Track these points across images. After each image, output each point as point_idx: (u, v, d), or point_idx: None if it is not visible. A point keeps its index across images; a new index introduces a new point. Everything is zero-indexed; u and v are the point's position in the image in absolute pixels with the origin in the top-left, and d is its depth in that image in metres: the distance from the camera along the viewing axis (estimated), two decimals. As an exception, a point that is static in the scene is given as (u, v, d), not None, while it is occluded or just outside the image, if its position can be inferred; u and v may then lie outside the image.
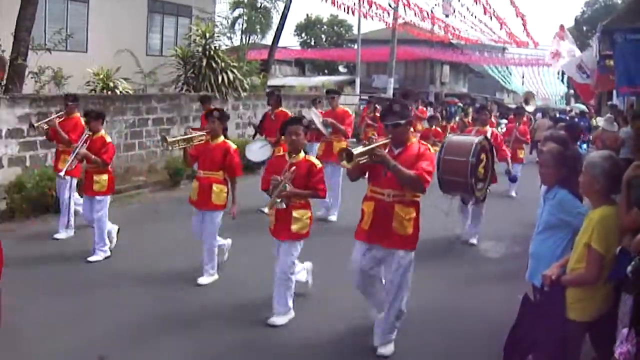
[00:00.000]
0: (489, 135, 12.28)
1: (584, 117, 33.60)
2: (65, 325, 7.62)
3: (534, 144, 24.34)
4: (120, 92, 18.68)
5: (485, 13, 30.13)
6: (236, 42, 29.53)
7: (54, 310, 8.11)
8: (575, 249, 5.44)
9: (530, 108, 26.45)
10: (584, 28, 73.56)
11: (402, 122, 6.87)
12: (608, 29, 12.25)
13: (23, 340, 7.17)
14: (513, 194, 18.14)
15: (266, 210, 10.50)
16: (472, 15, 31.70)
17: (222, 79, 21.35)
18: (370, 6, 25.79)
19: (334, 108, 14.28)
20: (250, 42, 31.59)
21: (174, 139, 9.58)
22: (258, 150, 13.75)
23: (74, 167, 10.98)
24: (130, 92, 19.28)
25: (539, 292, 5.87)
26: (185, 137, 9.68)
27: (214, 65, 21.30)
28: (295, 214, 7.84)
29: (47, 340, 7.17)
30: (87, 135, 10.52)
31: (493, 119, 25.09)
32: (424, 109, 27.62)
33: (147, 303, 8.53)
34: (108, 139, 10.64)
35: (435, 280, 9.81)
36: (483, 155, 10.95)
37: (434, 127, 20.58)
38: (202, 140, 9.61)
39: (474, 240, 12.47)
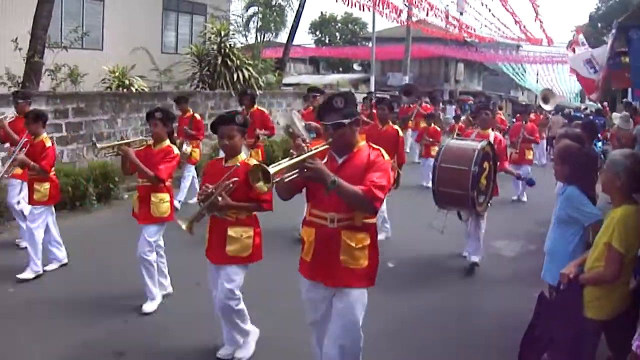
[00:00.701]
0: (491, 139, 10.48)
1: (600, 115, 33.46)
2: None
3: (550, 142, 24.33)
4: (136, 89, 18.73)
5: (503, 6, 30.13)
6: (251, 40, 29.55)
7: None
8: (595, 247, 5.43)
9: (549, 107, 25.66)
10: (599, 25, 73.15)
11: (346, 121, 5.22)
12: (624, 25, 12.16)
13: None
14: (524, 198, 17.15)
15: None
16: (488, 10, 31.69)
17: (237, 76, 21.40)
18: (384, 5, 25.74)
19: (315, 108, 12.59)
20: (264, 40, 31.56)
21: (106, 145, 8.76)
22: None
23: (9, 174, 10.13)
24: (146, 89, 19.34)
25: (555, 290, 5.87)
26: (121, 142, 8.52)
27: (229, 63, 21.34)
28: (231, 232, 6.45)
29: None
30: (25, 140, 9.46)
31: (503, 117, 24.08)
32: (428, 105, 26.05)
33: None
34: (48, 144, 9.54)
35: (448, 278, 9.82)
36: (486, 164, 9.82)
37: (432, 125, 19.50)
38: (144, 144, 8.49)
39: (476, 259, 10.61)
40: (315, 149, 5.16)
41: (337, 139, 5.25)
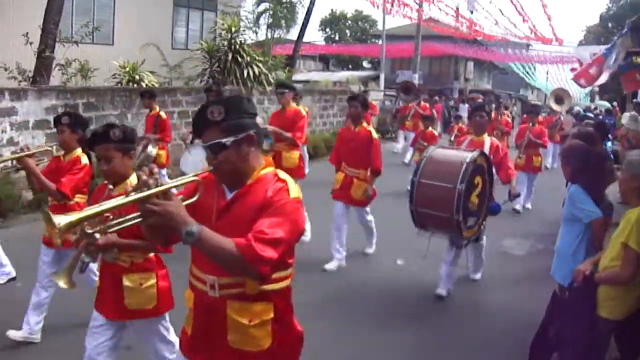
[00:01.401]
0: (486, 148, 8.93)
1: (610, 115, 33.35)
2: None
3: (562, 140, 23.87)
4: (146, 85, 18.74)
5: (513, 5, 30.19)
6: (261, 36, 29.49)
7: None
8: (611, 247, 5.43)
9: (562, 108, 23.82)
10: (609, 25, 72.98)
11: (228, 140, 3.50)
12: (637, 24, 12.13)
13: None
14: (518, 207, 15.30)
15: None
16: (498, 10, 31.70)
17: (248, 73, 21.36)
18: (393, 2, 25.74)
19: (285, 107, 11.25)
20: (275, 37, 31.56)
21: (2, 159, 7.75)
22: (198, 159, 9.12)
23: None
24: (156, 85, 19.34)
25: (568, 289, 5.87)
26: (20, 154, 6.91)
27: (239, 59, 21.31)
28: (127, 281, 5.19)
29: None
30: None
31: (509, 118, 22.49)
32: (427, 104, 23.83)
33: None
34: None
35: (457, 278, 9.81)
36: (478, 179, 8.23)
37: (429, 128, 17.14)
38: (50, 155, 7.41)
39: (476, 276, 10.16)
40: (172, 183, 3.41)
41: (219, 167, 3.58)
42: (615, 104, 34.14)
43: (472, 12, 39.15)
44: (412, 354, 7.14)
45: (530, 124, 16.08)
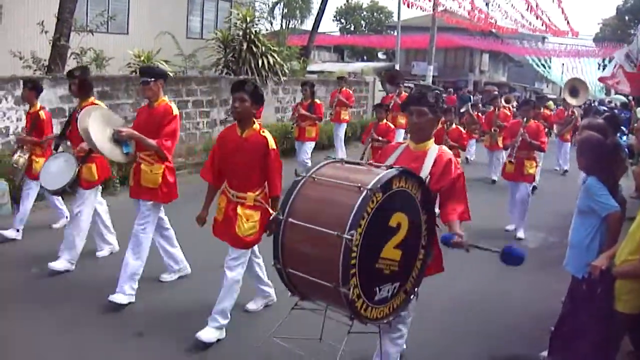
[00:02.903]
0: (427, 165, 5.48)
1: (626, 109, 33.14)
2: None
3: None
4: (162, 74, 18.74)
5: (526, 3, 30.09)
6: (276, 26, 29.57)
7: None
8: (629, 240, 5.39)
9: (577, 101, 21.35)
10: (626, 18, 72.63)
11: None
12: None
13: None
14: (510, 227, 12.83)
15: None
16: (511, 7, 31.64)
17: (262, 63, 21.36)
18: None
19: (151, 102, 8.13)
20: (290, 27, 31.58)
21: None
22: (58, 172, 8.91)
23: None
24: (171, 74, 19.33)
25: (584, 282, 5.84)
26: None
27: (254, 49, 21.30)
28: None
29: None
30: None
31: (508, 112, 19.16)
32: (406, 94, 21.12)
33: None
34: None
35: (470, 269, 9.78)
36: (399, 219, 4.87)
37: (383, 121, 13.93)
38: None
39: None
40: None
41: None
42: (631, 97, 33.83)
43: (487, 5, 39.05)
44: (424, 346, 7.12)
45: (524, 120, 12.47)
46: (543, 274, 9.65)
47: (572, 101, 21.14)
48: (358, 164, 5.39)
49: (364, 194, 4.52)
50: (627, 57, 14.63)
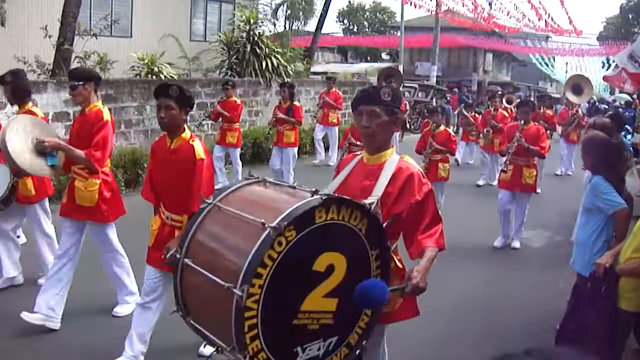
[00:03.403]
0: (381, 184, 4.25)
1: (630, 108, 33.12)
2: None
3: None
4: (165, 76, 18.77)
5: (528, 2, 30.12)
6: (279, 28, 29.49)
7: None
8: (634, 238, 5.40)
9: (581, 99, 20.33)
10: (630, 16, 72.58)
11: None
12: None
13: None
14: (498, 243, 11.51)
15: None
16: (514, 7, 31.65)
17: (266, 64, 21.40)
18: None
19: (83, 108, 7.30)
20: (293, 28, 31.56)
21: None
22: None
23: None
24: (175, 77, 19.37)
25: (589, 280, 5.85)
26: None
27: (257, 51, 21.34)
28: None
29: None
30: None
31: (505, 112, 17.52)
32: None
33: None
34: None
35: (476, 269, 9.81)
36: (332, 259, 3.68)
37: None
38: None
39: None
40: None
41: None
42: (635, 96, 33.80)
43: (490, 6, 39.09)
44: (427, 344, 7.13)
45: (522, 122, 11.12)
46: (548, 273, 9.69)
47: (575, 99, 19.99)
48: (288, 186, 4.12)
49: (264, 234, 3.34)
50: (630, 58, 14.56)
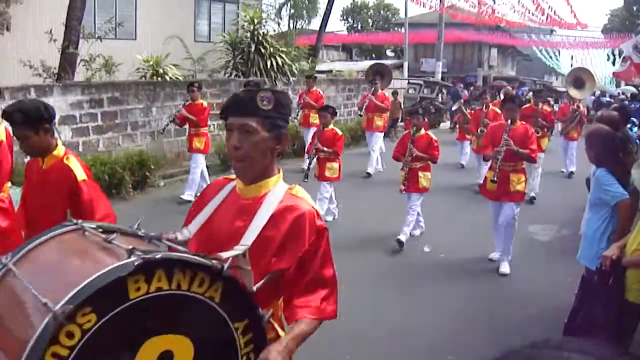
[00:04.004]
0: (254, 231, 3.09)
1: (635, 100, 33.00)
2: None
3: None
4: (170, 78, 18.81)
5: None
6: (284, 27, 29.51)
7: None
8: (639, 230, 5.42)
9: (584, 93, 19.17)
10: (634, 8, 72.32)
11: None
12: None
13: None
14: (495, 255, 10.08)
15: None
16: (517, 1, 31.64)
17: (271, 64, 21.39)
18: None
19: None
20: (297, 27, 31.58)
21: None
22: None
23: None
24: (180, 78, 19.41)
25: (596, 273, 5.87)
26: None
27: (262, 50, 21.34)
28: None
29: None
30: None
31: (499, 110, 14.88)
32: (385, 93, 18.98)
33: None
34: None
35: (484, 263, 9.82)
36: (167, 343, 2.59)
37: (329, 126, 11.90)
38: None
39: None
40: None
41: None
42: (640, 89, 33.64)
43: (494, 0, 39.09)
44: (435, 338, 7.15)
45: (509, 122, 9.55)
46: (556, 267, 9.68)
47: (576, 94, 18.77)
48: (104, 238, 2.74)
49: (44, 323, 2.30)
50: (635, 48, 14.51)
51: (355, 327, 7.00)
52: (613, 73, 21.43)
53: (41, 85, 14.35)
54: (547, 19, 34.63)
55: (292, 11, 32.27)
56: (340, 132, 12.01)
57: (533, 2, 32.88)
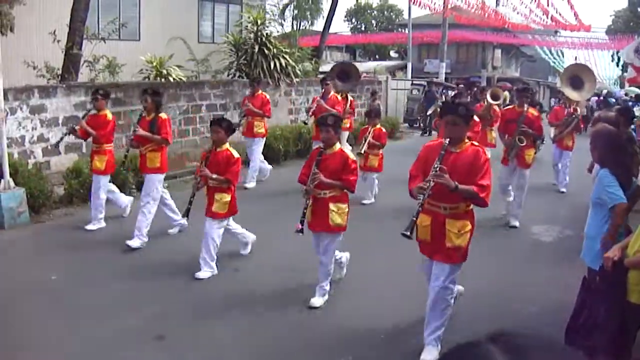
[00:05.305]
0: None
1: (639, 101, 32.94)
2: (119, 308, 7.81)
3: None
4: (174, 79, 18.84)
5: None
6: (287, 28, 29.51)
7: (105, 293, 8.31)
8: (640, 232, 5.42)
9: (583, 95, 16.03)
10: (639, 9, 72.22)
11: None
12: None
13: (81, 322, 7.37)
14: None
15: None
16: (521, 3, 31.65)
17: (274, 65, 21.41)
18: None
19: None
20: (301, 28, 31.58)
21: None
22: None
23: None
24: (183, 79, 19.44)
25: (597, 274, 5.88)
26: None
27: (265, 51, 21.36)
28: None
29: (104, 322, 7.36)
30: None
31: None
32: (338, 97, 16.58)
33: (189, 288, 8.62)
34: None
35: (486, 263, 9.81)
36: None
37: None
38: None
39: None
40: None
41: None
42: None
43: (497, 2, 39.09)
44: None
45: (446, 141, 6.52)
46: (559, 267, 9.71)
47: (573, 95, 15.70)
48: None
49: None
50: (636, 52, 14.45)
51: (355, 327, 7.02)
52: (628, 79, 20.32)
53: (45, 86, 14.38)
54: (552, 20, 34.60)
55: (296, 12, 32.25)
56: (236, 155, 9.34)
57: (538, 5, 32.84)
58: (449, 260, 6.67)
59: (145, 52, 19.98)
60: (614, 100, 35.12)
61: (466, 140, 6.60)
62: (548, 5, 33.27)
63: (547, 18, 34.07)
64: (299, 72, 22.86)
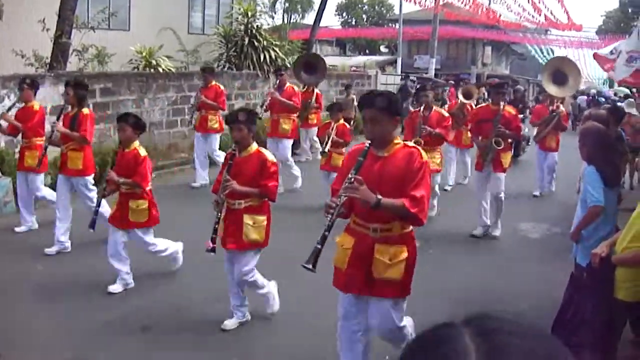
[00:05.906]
0: None
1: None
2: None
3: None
4: (163, 69, 18.77)
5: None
6: (278, 21, 29.54)
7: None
8: (630, 228, 5.42)
9: (565, 91, 14.72)
10: (629, 10, 72.47)
11: None
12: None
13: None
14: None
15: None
16: (513, 1, 31.73)
17: (264, 57, 21.38)
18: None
19: None
20: (291, 21, 31.56)
21: None
22: None
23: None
24: (173, 70, 19.38)
25: (585, 271, 5.89)
26: None
27: (255, 43, 21.32)
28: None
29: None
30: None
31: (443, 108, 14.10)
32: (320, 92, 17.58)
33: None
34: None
35: (475, 262, 9.82)
36: None
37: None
38: None
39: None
40: None
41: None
42: (635, 90, 33.72)
43: (489, 1, 39.18)
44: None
45: (366, 148, 5.40)
46: (547, 264, 9.71)
47: (555, 91, 14.48)
48: None
49: None
50: (627, 62, 14.36)
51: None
52: (594, 54, 19.48)
53: (33, 75, 14.27)
54: (544, 18, 34.68)
55: (287, 5, 32.28)
56: (143, 153, 8.39)
57: (529, 2, 32.93)
58: (382, 293, 5.37)
59: (135, 42, 19.90)
60: (603, 99, 35.21)
61: (397, 141, 5.37)
62: (540, 3, 33.33)
63: (540, 16, 34.11)
64: (288, 65, 22.83)
